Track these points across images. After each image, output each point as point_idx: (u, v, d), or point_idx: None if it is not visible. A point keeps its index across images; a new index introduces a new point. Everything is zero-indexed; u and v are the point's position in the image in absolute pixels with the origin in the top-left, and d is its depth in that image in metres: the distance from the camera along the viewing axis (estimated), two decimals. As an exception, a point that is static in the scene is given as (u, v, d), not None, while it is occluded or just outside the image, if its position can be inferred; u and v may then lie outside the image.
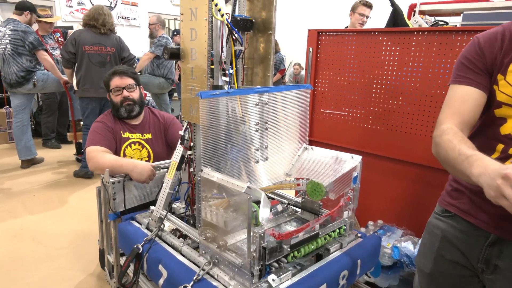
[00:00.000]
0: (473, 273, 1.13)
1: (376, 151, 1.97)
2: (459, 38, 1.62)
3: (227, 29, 1.39)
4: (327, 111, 2.13)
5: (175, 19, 8.77)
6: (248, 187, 1.00)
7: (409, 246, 1.66)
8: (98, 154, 1.83)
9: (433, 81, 1.73)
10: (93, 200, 1.91)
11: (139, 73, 4.52)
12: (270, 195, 1.63)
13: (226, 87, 1.41)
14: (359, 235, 1.48)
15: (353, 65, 1.98)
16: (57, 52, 4.82)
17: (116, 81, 2.10)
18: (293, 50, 8.56)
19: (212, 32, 1.31)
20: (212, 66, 1.35)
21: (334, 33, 1.98)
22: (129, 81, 2.12)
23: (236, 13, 1.49)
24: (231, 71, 1.43)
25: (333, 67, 2.06)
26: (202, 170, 1.16)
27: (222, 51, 1.39)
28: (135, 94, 2.11)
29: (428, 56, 1.72)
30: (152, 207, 1.52)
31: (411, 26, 2.37)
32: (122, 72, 2.14)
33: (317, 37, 2.06)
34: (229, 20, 1.36)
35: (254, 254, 1.06)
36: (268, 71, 1.48)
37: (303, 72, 8.75)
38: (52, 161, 4.64)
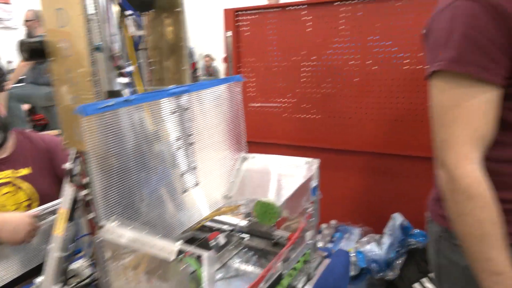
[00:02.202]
0: None
1: (318, 144, 1.73)
2: (398, 4, 1.42)
3: (116, 8, 0.97)
4: (257, 104, 1.82)
5: (61, 16, 7.67)
6: (179, 250, 0.63)
7: (375, 249, 1.45)
8: None
9: (372, 57, 1.52)
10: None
11: (17, 84, 3.71)
12: (208, 223, 1.26)
13: (126, 91, 1.00)
14: (324, 254, 1.21)
15: (280, 48, 1.69)
16: None
17: None
18: (201, 40, 8.07)
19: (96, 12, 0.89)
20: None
21: (255, 11, 1.66)
22: None
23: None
24: (130, 68, 1.02)
25: (257, 52, 1.74)
26: (102, 227, 0.75)
27: (113, 41, 0.97)
28: None
29: (359, 28, 1.51)
30: (38, 279, 1.04)
31: None
32: None
33: (234, 18, 1.71)
34: (117, -5, 0.94)
35: None
36: (182, 64, 1.10)
37: (215, 63, 8.35)
38: None
